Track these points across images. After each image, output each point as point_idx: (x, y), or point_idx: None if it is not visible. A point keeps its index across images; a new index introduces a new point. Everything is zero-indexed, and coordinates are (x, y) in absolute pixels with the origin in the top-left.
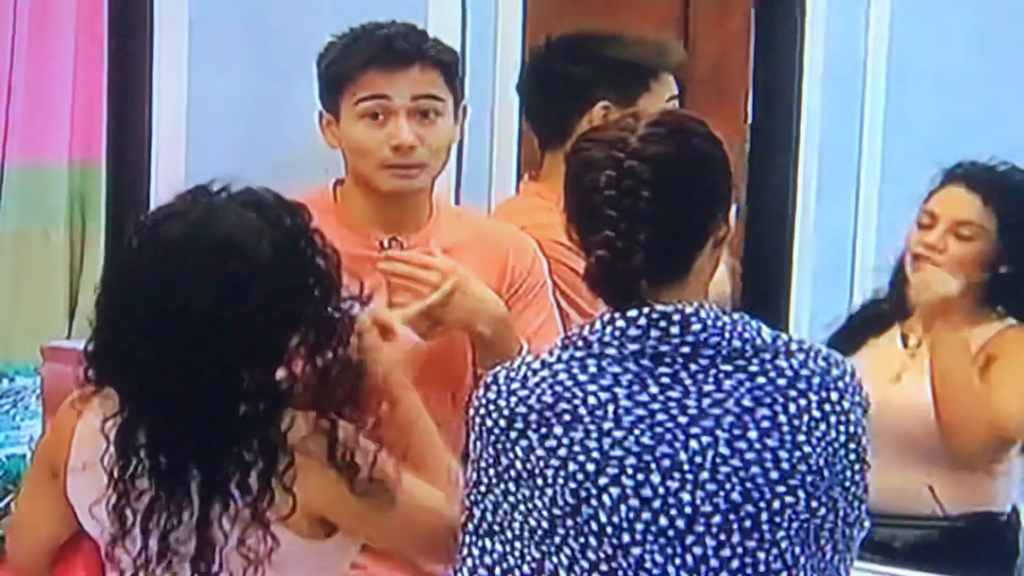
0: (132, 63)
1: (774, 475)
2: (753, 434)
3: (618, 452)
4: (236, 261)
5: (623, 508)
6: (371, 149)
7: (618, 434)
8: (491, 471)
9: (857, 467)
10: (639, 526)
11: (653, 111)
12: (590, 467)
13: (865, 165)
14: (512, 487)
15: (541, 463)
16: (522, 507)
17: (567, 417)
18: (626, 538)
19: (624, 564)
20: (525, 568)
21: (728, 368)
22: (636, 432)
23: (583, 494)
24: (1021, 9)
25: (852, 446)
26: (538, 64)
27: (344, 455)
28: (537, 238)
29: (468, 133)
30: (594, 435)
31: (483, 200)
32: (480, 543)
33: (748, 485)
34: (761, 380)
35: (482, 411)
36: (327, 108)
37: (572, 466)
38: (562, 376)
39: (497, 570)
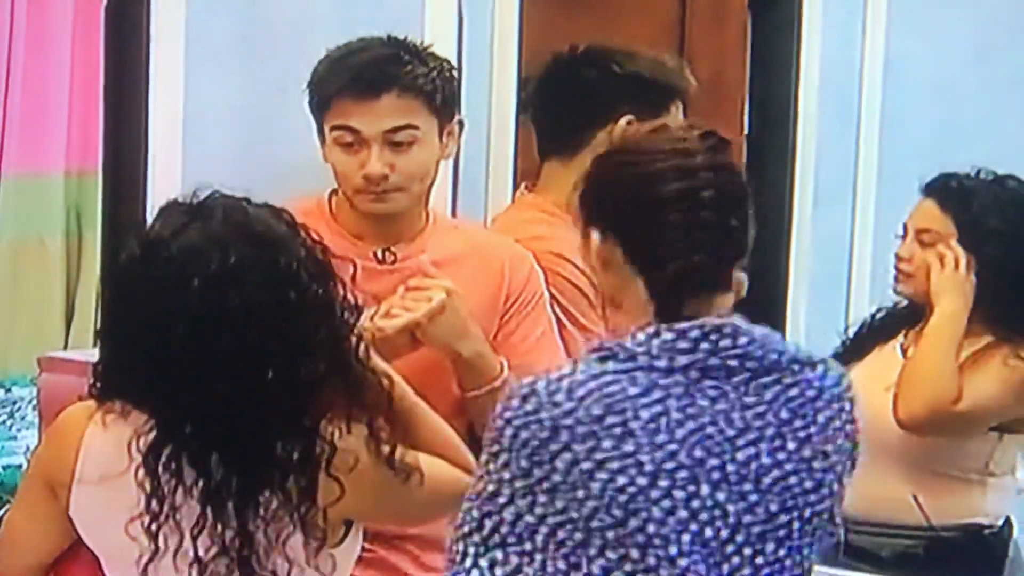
0: (128, 74)
1: (808, 484)
2: (791, 445)
3: (670, 465)
4: (283, 252)
5: (672, 520)
6: (346, 174)
7: (671, 448)
8: (517, 483)
9: (850, 475)
10: (686, 537)
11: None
12: (641, 480)
13: (862, 175)
14: (543, 499)
15: (585, 476)
16: (551, 519)
17: (618, 431)
18: (673, 550)
19: (667, 574)
20: None
21: (766, 380)
22: (687, 445)
23: (632, 507)
24: (1016, 18)
25: (854, 455)
26: (562, 72)
27: (381, 443)
28: (534, 250)
29: (464, 145)
30: (646, 449)
31: (479, 211)
32: (490, 555)
33: (786, 495)
34: (794, 392)
35: (517, 422)
36: (316, 126)
37: (622, 479)
38: (611, 389)
39: None
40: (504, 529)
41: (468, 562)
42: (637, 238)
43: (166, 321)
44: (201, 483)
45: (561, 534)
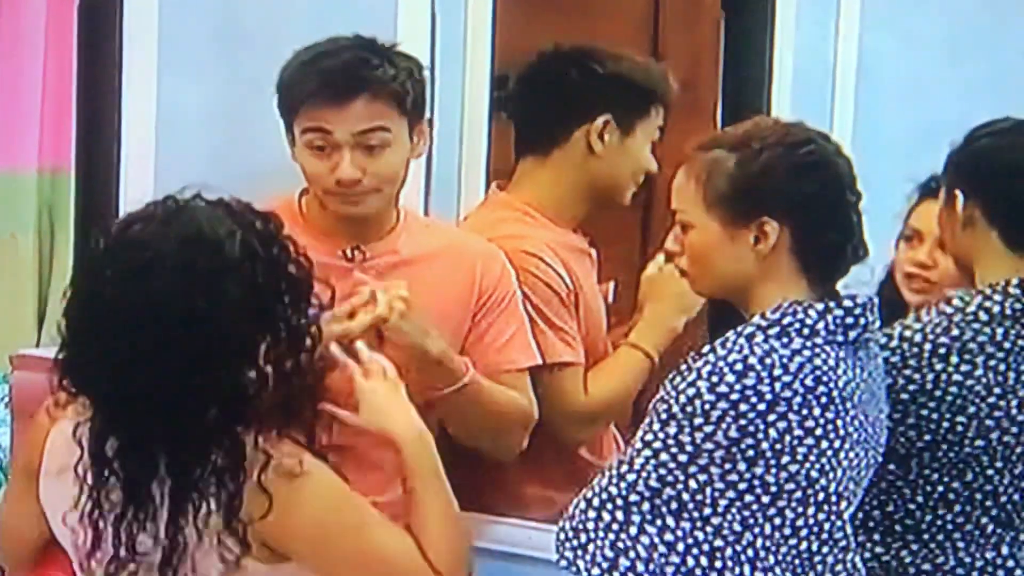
0: (102, 72)
1: (884, 441)
2: (886, 409)
3: (851, 429)
4: (207, 255)
5: (846, 478)
6: (317, 177)
7: (853, 413)
8: (718, 452)
9: None
10: (849, 493)
11: (650, 137)
12: (836, 443)
13: None
14: (742, 466)
15: (795, 442)
16: (742, 484)
17: (824, 399)
18: (843, 504)
19: (828, 526)
20: (718, 542)
21: (874, 351)
22: (860, 411)
23: (826, 468)
24: (990, 17)
25: None
26: (544, 70)
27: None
28: (506, 248)
29: (437, 143)
30: (842, 415)
31: (451, 210)
32: (659, 522)
33: (882, 451)
34: (881, 362)
35: (734, 396)
36: (286, 127)
37: (824, 444)
38: (817, 362)
39: (680, 546)
40: (686, 496)
41: (633, 530)
42: (813, 225)
43: (91, 314)
44: (125, 478)
45: (748, 497)
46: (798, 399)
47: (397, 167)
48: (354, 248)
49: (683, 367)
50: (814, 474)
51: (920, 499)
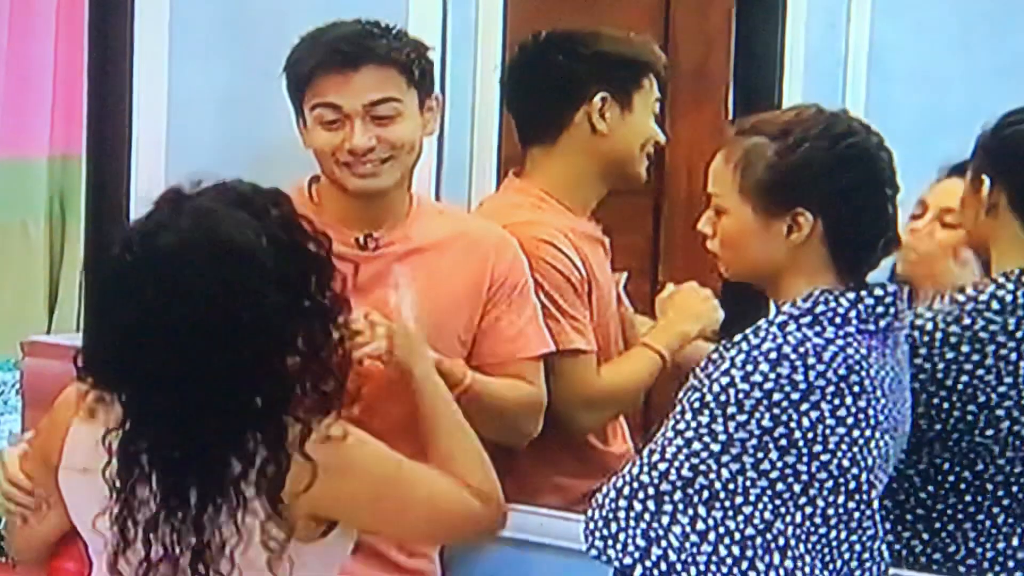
0: (113, 58)
1: (908, 429)
2: (909, 399)
3: (882, 418)
4: (243, 266)
5: (876, 466)
6: (330, 151)
7: (883, 402)
8: (751, 441)
9: None
10: (879, 481)
11: (650, 108)
12: (868, 432)
13: None
14: (774, 455)
15: (827, 431)
16: (773, 473)
17: (856, 388)
18: (873, 493)
19: (859, 516)
20: (749, 531)
21: (901, 340)
22: (890, 400)
23: (857, 457)
24: (1001, 5)
25: None
26: (530, 59)
27: None
28: (519, 235)
29: (448, 129)
30: (874, 404)
31: (463, 196)
32: (691, 511)
33: (906, 439)
34: (906, 349)
35: (767, 385)
36: (295, 111)
37: (856, 432)
38: (849, 351)
39: (711, 535)
40: (718, 485)
41: (665, 519)
42: (849, 218)
43: (123, 323)
44: (159, 481)
45: (780, 486)
46: (831, 388)
47: (410, 136)
48: (367, 236)
49: (714, 355)
50: (845, 463)
51: (931, 488)
